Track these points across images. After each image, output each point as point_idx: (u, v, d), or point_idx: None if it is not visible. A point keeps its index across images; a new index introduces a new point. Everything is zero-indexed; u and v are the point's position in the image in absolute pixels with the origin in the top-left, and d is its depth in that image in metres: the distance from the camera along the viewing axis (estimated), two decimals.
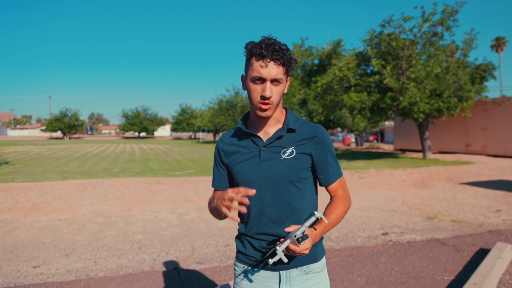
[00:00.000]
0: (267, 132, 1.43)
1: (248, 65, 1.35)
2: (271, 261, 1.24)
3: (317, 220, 1.32)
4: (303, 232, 1.19)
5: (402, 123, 22.79)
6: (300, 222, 1.36)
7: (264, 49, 1.28)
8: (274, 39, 1.31)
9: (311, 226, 1.31)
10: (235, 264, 1.51)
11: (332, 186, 1.46)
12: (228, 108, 42.44)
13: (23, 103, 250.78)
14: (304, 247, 1.19)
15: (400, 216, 6.20)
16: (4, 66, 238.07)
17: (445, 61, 14.98)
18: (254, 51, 1.30)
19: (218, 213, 1.37)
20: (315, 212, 1.24)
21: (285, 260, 1.21)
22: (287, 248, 1.20)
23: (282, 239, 1.25)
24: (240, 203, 1.19)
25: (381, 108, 16.53)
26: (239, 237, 1.49)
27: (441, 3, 23.97)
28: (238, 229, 1.49)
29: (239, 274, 1.47)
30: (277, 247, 1.20)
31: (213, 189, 1.58)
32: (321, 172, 1.44)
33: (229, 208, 1.20)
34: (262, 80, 1.31)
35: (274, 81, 1.31)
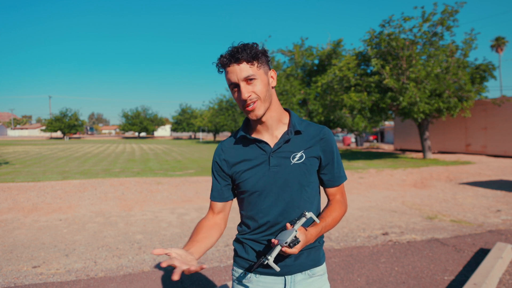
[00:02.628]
0: (273, 135, 1.39)
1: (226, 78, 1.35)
2: (256, 266, 1.24)
3: (307, 221, 1.29)
4: (295, 236, 1.16)
5: (402, 123, 22.79)
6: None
7: (224, 56, 1.29)
8: (237, 44, 1.30)
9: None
10: (233, 269, 1.46)
11: (333, 190, 1.44)
12: (228, 108, 42.40)
13: (23, 103, 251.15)
14: (295, 250, 1.17)
15: (400, 216, 6.20)
16: (4, 66, 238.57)
17: (445, 61, 14.97)
18: (218, 63, 1.32)
19: None
20: (306, 213, 1.22)
21: (277, 269, 1.17)
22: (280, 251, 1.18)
23: (273, 240, 1.20)
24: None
25: (381, 108, 16.53)
26: (239, 241, 1.45)
27: (441, 3, 23.98)
28: (238, 233, 1.46)
29: (239, 280, 1.43)
30: (269, 257, 1.16)
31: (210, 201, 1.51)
32: (327, 173, 1.42)
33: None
34: (236, 85, 1.29)
35: (247, 80, 1.28)
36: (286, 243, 1.14)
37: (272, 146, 1.37)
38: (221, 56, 1.31)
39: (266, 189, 1.35)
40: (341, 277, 3.57)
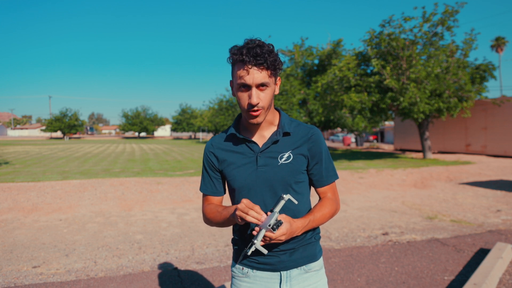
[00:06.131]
0: (262, 135, 1.40)
1: (233, 72, 1.30)
2: (249, 252, 1.23)
3: (285, 203, 1.29)
4: (276, 218, 1.18)
5: (402, 123, 22.79)
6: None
7: (245, 55, 1.22)
8: (258, 41, 1.25)
9: (281, 209, 1.31)
10: (232, 266, 1.50)
11: (323, 189, 1.45)
12: (228, 108, 42.40)
13: (23, 103, 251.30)
14: (280, 233, 1.18)
15: (400, 216, 6.20)
16: (4, 66, 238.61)
17: (445, 61, 14.97)
18: (235, 57, 1.25)
19: (226, 222, 1.36)
20: (283, 196, 1.23)
21: (265, 251, 1.19)
22: (264, 237, 1.20)
23: (257, 228, 1.21)
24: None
25: (381, 108, 16.52)
26: (236, 240, 1.47)
27: (442, 3, 23.97)
28: (234, 232, 1.48)
29: (238, 276, 1.46)
30: (255, 241, 1.18)
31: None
32: (315, 173, 1.42)
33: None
34: (248, 86, 1.26)
35: (260, 86, 1.26)
36: (269, 225, 1.16)
37: (260, 146, 1.38)
38: (240, 51, 1.23)
39: (253, 188, 1.36)
40: (341, 277, 3.57)
